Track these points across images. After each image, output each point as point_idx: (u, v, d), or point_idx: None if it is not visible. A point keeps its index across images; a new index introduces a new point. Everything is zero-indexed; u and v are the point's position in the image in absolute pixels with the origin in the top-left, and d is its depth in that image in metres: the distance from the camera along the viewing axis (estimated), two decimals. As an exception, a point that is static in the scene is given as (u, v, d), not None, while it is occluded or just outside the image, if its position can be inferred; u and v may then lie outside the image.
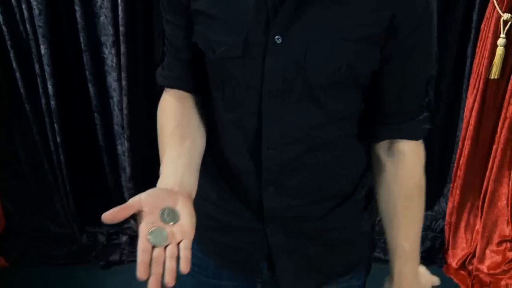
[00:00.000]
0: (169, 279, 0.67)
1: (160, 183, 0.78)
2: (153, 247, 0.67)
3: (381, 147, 0.91)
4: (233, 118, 0.86)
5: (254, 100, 0.82)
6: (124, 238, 2.36)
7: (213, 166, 0.96)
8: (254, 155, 0.86)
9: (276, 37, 0.76)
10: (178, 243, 0.70)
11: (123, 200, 2.74)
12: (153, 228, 0.68)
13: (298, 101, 0.80)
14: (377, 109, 0.86)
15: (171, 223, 0.71)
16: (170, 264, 0.67)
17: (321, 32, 0.75)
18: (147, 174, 2.37)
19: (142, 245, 0.66)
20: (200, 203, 1.03)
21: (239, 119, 0.85)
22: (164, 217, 0.70)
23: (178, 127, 0.88)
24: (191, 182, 0.81)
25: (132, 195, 2.62)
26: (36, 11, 1.92)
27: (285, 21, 0.75)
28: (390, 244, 0.97)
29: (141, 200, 0.70)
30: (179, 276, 1.14)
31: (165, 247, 0.68)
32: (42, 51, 1.99)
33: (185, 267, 0.68)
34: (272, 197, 0.89)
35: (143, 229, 0.68)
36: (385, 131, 0.88)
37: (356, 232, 0.99)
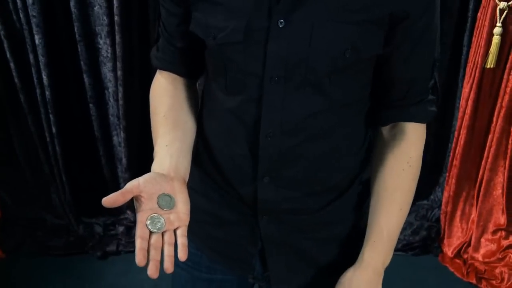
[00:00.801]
0: (168, 266, 0.67)
1: (156, 167, 0.79)
2: (151, 233, 0.68)
3: (385, 127, 0.91)
4: (232, 105, 0.85)
5: (255, 86, 0.81)
6: (120, 229, 2.37)
7: (207, 157, 0.95)
8: (252, 143, 0.85)
9: (279, 21, 0.75)
10: (175, 230, 0.71)
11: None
12: (151, 215, 0.69)
13: (300, 88, 0.80)
14: (383, 93, 0.87)
15: (168, 210, 0.71)
16: (168, 251, 0.68)
17: (326, 16, 0.74)
18: (143, 164, 2.36)
19: (140, 231, 0.67)
20: (192, 196, 1.03)
21: (239, 106, 0.84)
22: (162, 204, 0.71)
23: (171, 111, 0.89)
24: (185, 167, 0.82)
25: (129, 185, 2.60)
26: (29, 1, 1.91)
27: (288, 4, 0.74)
28: (369, 226, 0.90)
29: (140, 185, 0.71)
30: (174, 271, 1.15)
31: (162, 234, 0.69)
32: (37, 41, 1.98)
33: (183, 255, 0.69)
34: (267, 188, 0.88)
35: (142, 216, 0.69)
36: (392, 114, 0.88)
37: (350, 228, 0.97)
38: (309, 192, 0.90)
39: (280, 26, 0.75)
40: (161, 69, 0.94)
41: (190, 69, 0.94)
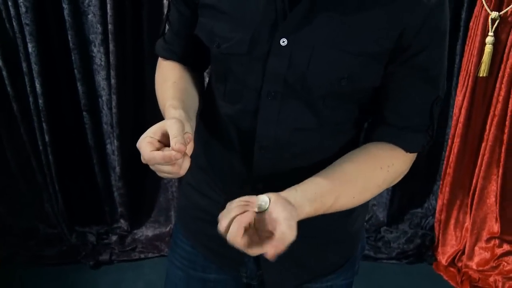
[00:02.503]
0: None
1: (180, 115, 0.77)
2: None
3: None
4: (230, 113, 0.87)
5: (252, 99, 0.82)
6: (114, 238, 2.35)
7: (204, 157, 0.96)
8: (246, 153, 0.86)
9: (282, 39, 0.76)
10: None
11: (112, 200, 2.72)
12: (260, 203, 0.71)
13: (296, 105, 0.81)
14: (380, 113, 0.86)
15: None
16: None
17: (328, 41, 0.75)
18: (136, 173, 2.36)
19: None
20: (188, 191, 1.04)
21: (235, 115, 0.86)
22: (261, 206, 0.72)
23: (181, 80, 0.91)
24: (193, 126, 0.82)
25: (122, 194, 2.62)
26: (23, 9, 1.90)
27: (293, 25, 0.75)
28: (320, 184, 0.79)
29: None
30: (170, 270, 1.15)
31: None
32: (30, 50, 1.97)
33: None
34: (262, 193, 0.88)
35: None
36: (386, 133, 0.86)
37: (343, 232, 0.99)
38: None
39: (282, 44, 0.76)
40: (168, 59, 0.97)
41: (196, 62, 0.97)
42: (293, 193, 0.75)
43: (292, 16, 0.75)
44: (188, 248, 1.05)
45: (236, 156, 0.89)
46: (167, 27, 0.95)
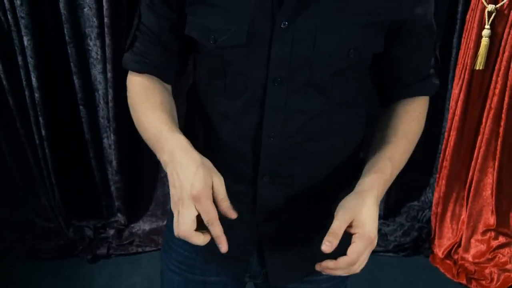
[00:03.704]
0: None
1: (193, 155, 0.76)
2: None
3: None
4: (231, 109, 0.85)
5: (257, 88, 0.81)
6: (111, 232, 2.35)
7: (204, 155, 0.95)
8: (253, 143, 0.85)
9: (283, 23, 0.75)
10: None
11: (109, 194, 2.72)
12: None
13: (303, 89, 0.80)
14: (388, 77, 0.92)
15: None
16: None
17: (329, 19, 0.75)
18: (133, 167, 2.35)
19: None
20: None
21: (241, 108, 0.84)
22: None
23: (165, 100, 0.88)
24: None
25: (119, 188, 2.62)
26: (18, 2, 1.88)
27: (291, 7, 0.74)
28: (373, 158, 0.86)
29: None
30: (166, 274, 1.14)
31: None
32: (25, 43, 1.96)
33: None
34: (267, 187, 0.88)
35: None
36: (399, 93, 0.93)
37: None
38: (308, 190, 0.91)
39: (283, 27, 0.75)
40: (141, 72, 0.90)
41: (172, 73, 0.92)
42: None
43: (288, 1, 0.74)
44: (184, 252, 1.03)
45: (243, 149, 0.87)
46: (137, 35, 0.87)
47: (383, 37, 0.81)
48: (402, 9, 0.79)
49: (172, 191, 0.73)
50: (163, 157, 0.77)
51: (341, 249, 0.86)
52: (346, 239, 0.87)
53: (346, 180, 0.93)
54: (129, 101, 0.91)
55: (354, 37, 0.77)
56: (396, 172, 0.87)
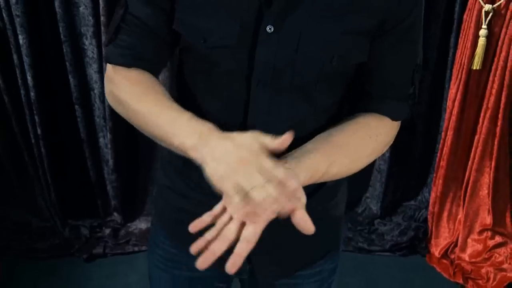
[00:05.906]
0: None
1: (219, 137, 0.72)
2: None
3: None
4: (217, 107, 0.84)
5: (241, 89, 0.80)
6: (107, 231, 2.34)
7: (181, 157, 0.93)
8: None
9: (268, 26, 0.75)
10: None
11: (105, 193, 2.71)
12: None
13: (287, 93, 0.80)
14: (364, 87, 0.88)
15: None
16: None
17: (314, 23, 0.75)
18: (129, 166, 2.35)
19: None
20: (169, 195, 1.02)
21: (224, 108, 0.83)
22: None
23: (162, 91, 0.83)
24: None
25: (115, 187, 2.61)
26: (13, 0, 1.88)
27: (279, 10, 0.74)
28: (316, 150, 0.77)
29: None
30: (153, 272, 1.13)
31: None
32: (21, 42, 1.95)
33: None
34: None
35: None
36: (370, 106, 0.88)
37: (328, 218, 0.99)
38: None
39: (269, 31, 0.75)
40: (130, 66, 0.84)
41: (162, 66, 0.90)
42: (288, 161, 0.74)
43: (277, 1, 0.74)
44: (170, 249, 1.03)
45: None
46: (122, 26, 0.82)
47: (368, 47, 0.79)
48: (386, 22, 0.77)
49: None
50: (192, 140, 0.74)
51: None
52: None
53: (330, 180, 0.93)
54: (121, 95, 0.85)
55: (337, 44, 0.76)
56: (326, 178, 0.79)
